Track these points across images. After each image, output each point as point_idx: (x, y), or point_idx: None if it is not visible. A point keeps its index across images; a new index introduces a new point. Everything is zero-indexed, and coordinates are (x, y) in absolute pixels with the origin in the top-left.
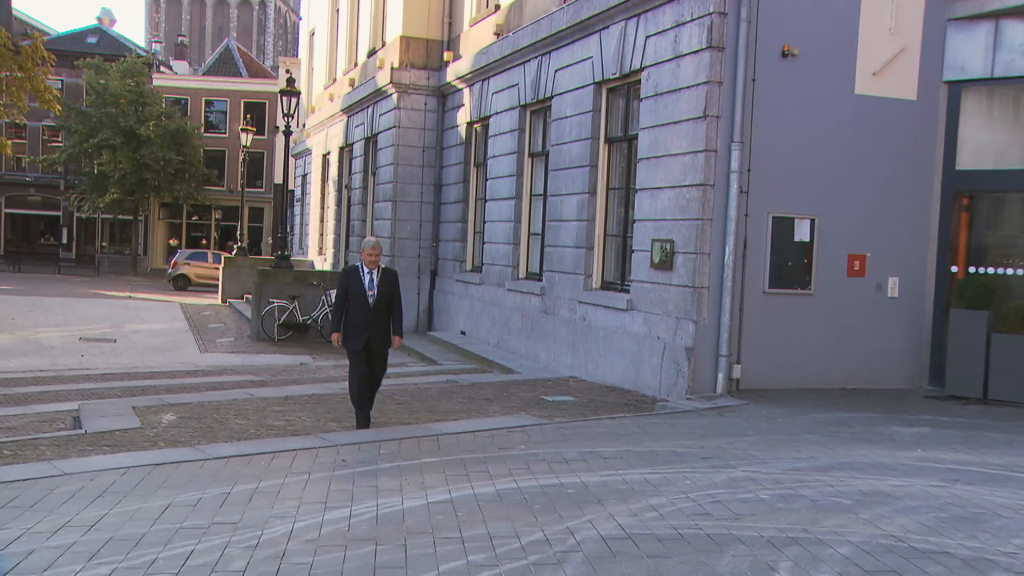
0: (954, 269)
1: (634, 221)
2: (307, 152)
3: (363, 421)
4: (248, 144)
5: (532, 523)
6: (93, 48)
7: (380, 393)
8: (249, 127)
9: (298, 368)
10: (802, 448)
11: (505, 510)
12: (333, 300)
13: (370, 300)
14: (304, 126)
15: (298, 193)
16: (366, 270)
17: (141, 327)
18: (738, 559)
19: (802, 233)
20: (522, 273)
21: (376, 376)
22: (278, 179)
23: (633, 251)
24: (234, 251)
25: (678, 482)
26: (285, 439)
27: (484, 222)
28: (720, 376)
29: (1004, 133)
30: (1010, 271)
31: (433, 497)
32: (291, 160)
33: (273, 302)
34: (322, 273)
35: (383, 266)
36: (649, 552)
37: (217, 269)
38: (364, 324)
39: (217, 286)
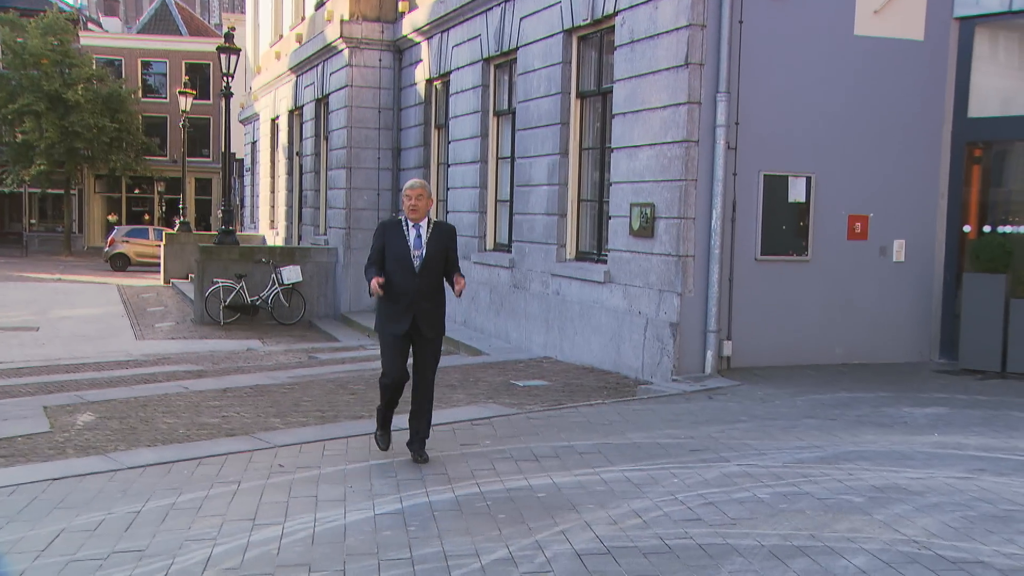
0: (967, 229)
1: (610, 184)
2: (255, 117)
3: (384, 441)
4: (188, 109)
5: (495, 537)
6: (7, 2)
7: (331, 383)
8: (188, 90)
9: (244, 354)
10: (803, 435)
11: (465, 521)
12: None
13: (416, 263)
14: (252, 89)
15: (248, 162)
16: (410, 223)
17: (70, 313)
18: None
19: (797, 193)
20: (490, 244)
21: (425, 377)
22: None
23: (610, 217)
24: (176, 226)
25: (664, 480)
26: (216, 441)
27: (447, 189)
28: (709, 354)
29: (1022, 70)
30: None
31: (382, 508)
32: (240, 127)
33: (218, 282)
34: (271, 249)
35: (434, 219)
36: (632, 570)
37: (159, 247)
38: (408, 299)
39: (159, 265)
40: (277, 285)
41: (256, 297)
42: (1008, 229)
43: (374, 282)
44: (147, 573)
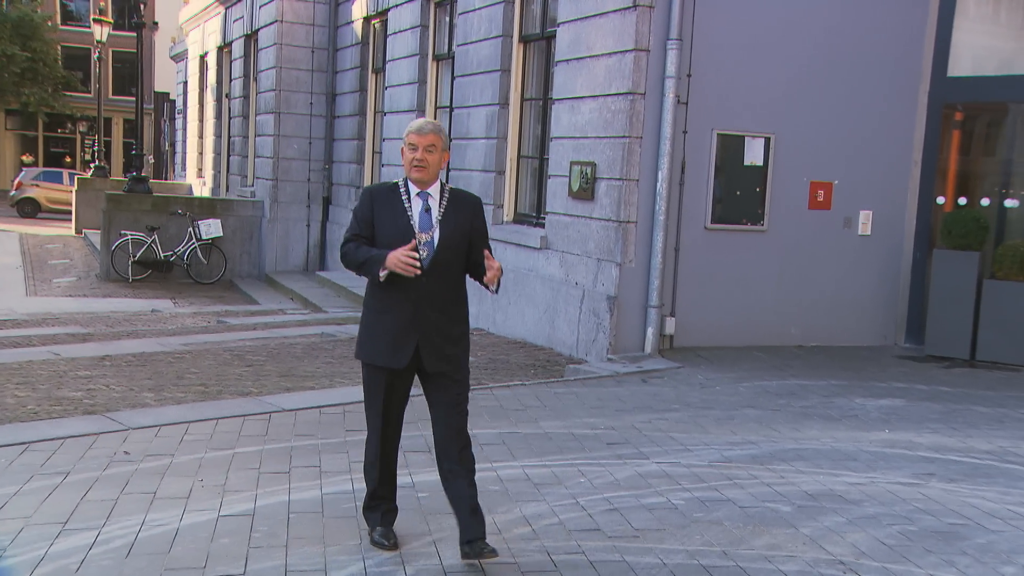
0: (941, 200)
1: (551, 139)
2: (186, 53)
3: (385, 530)
4: (104, 39)
5: (354, 548)
6: None
7: (230, 352)
8: (104, 18)
9: (146, 316)
10: (739, 428)
11: (323, 527)
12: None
13: (423, 254)
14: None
15: (179, 104)
16: (414, 191)
17: None
18: None
19: (754, 155)
20: None
21: (450, 432)
22: (158, 85)
23: (549, 176)
24: (91, 171)
25: (569, 480)
26: (59, 421)
27: (383, 140)
28: (649, 331)
29: (1010, 28)
30: (1009, 203)
31: (230, 508)
32: (172, 64)
33: (126, 235)
34: (189, 200)
35: (450, 185)
36: None
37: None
38: (408, 311)
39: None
40: (195, 240)
41: (170, 252)
42: (986, 202)
43: (398, 254)
44: None
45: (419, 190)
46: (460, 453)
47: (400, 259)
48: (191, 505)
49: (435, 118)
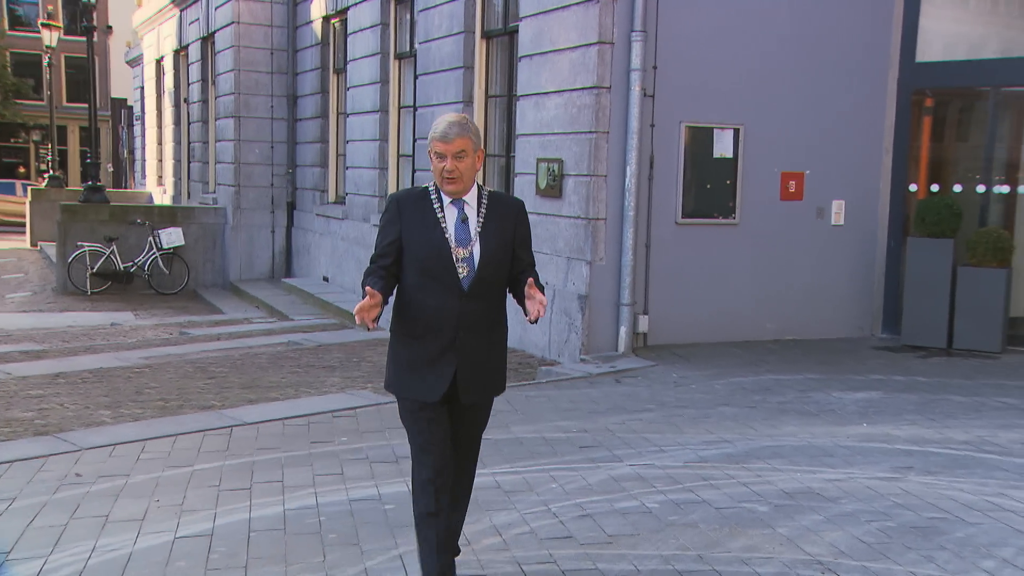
0: (913, 188)
1: (517, 136)
2: (142, 58)
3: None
4: (55, 44)
5: (317, 565)
6: None
7: (191, 364)
8: (53, 23)
9: (105, 330)
10: (715, 427)
11: (284, 544)
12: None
13: (462, 272)
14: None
15: (137, 110)
16: (446, 199)
17: None
18: None
19: (724, 147)
20: None
21: (459, 466)
22: (115, 91)
23: (516, 174)
24: (45, 181)
25: (540, 486)
26: (5, 444)
27: (346, 142)
28: (622, 330)
29: (978, 13)
30: (982, 189)
31: (187, 528)
32: (128, 69)
33: (83, 246)
34: (148, 209)
35: (488, 188)
36: None
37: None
38: (448, 336)
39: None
40: (155, 250)
41: (131, 263)
42: (959, 188)
43: (366, 300)
44: None
45: (451, 199)
46: (461, 504)
47: (361, 308)
48: (146, 527)
49: (399, 119)
